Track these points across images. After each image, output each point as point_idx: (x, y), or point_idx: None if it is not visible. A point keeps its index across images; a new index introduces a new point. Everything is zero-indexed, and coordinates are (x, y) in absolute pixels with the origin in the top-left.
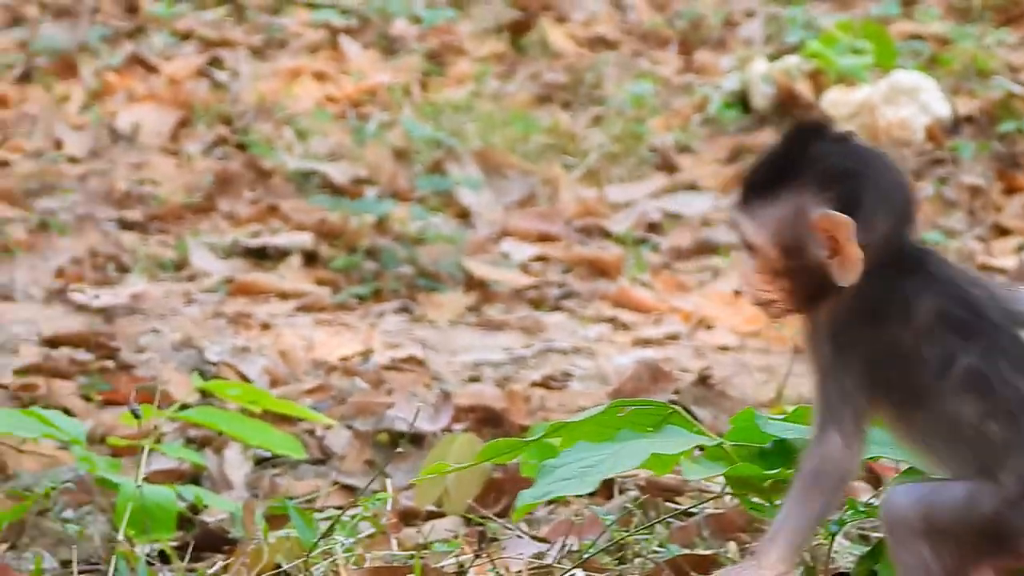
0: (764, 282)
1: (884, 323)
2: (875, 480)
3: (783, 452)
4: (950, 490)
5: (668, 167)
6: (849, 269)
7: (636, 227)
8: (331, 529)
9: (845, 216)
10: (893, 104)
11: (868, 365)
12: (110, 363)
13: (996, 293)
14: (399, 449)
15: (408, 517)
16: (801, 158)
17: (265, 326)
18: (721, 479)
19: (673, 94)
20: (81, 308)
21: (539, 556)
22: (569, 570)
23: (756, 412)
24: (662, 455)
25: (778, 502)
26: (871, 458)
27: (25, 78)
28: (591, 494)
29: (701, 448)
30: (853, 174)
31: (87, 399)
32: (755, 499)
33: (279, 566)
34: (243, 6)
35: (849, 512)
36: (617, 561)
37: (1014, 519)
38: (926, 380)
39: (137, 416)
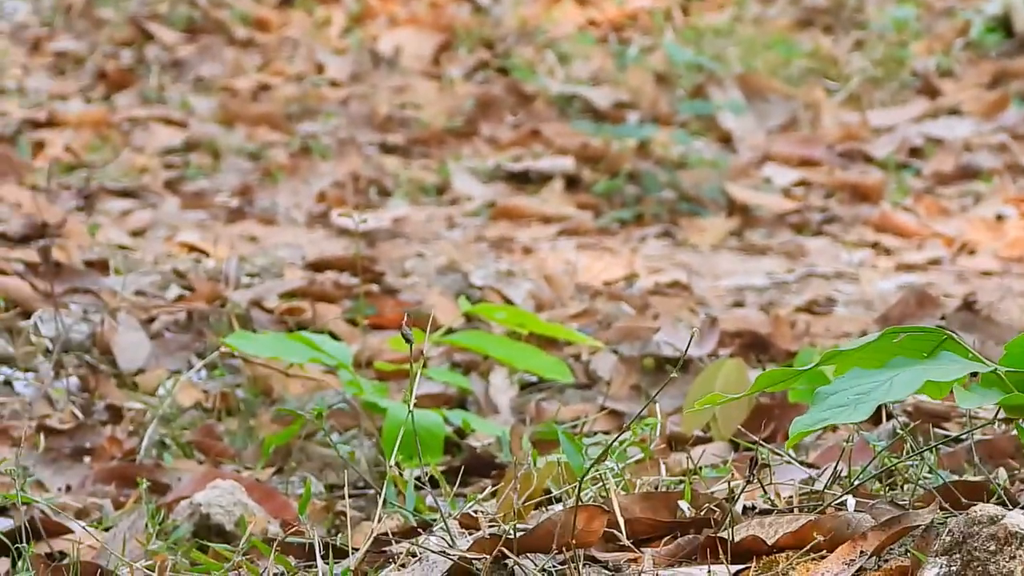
0: None
1: None
2: None
3: None
4: None
5: (930, 91)
6: None
7: (898, 152)
8: (604, 455)
9: None
10: None
11: None
12: (375, 287)
13: None
14: (673, 375)
15: (676, 443)
16: None
17: (527, 250)
18: (989, 404)
19: (935, 18)
20: (343, 232)
21: (808, 482)
22: (840, 496)
23: None
24: (937, 382)
25: None
26: None
27: (287, 2)
28: None
29: (974, 375)
30: None
31: (352, 323)
32: None
33: (548, 491)
34: None
35: None
36: (888, 487)
37: None
38: None
39: (409, 341)
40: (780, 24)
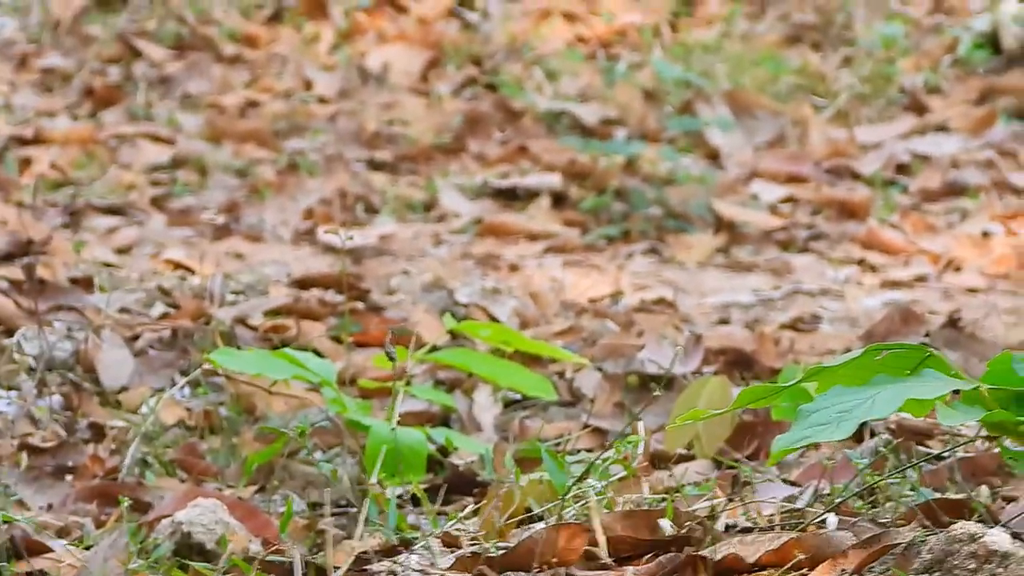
0: None
1: None
2: None
3: None
4: None
5: (917, 108)
6: None
7: (885, 168)
8: (586, 473)
9: None
10: None
11: None
12: (360, 305)
13: None
14: (656, 392)
15: (658, 460)
16: None
17: (514, 267)
18: (971, 422)
19: (923, 35)
20: (329, 249)
21: (790, 500)
22: (821, 514)
23: (1014, 356)
24: (919, 399)
25: None
26: None
27: (275, 18)
28: None
29: (956, 392)
30: None
31: (337, 341)
32: (1010, 444)
33: (530, 509)
34: None
35: None
36: (869, 505)
37: None
38: None
39: (392, 358)
40: (768, 41)
